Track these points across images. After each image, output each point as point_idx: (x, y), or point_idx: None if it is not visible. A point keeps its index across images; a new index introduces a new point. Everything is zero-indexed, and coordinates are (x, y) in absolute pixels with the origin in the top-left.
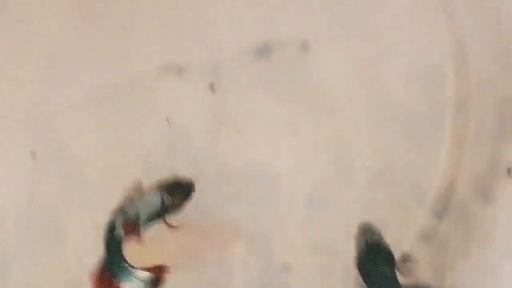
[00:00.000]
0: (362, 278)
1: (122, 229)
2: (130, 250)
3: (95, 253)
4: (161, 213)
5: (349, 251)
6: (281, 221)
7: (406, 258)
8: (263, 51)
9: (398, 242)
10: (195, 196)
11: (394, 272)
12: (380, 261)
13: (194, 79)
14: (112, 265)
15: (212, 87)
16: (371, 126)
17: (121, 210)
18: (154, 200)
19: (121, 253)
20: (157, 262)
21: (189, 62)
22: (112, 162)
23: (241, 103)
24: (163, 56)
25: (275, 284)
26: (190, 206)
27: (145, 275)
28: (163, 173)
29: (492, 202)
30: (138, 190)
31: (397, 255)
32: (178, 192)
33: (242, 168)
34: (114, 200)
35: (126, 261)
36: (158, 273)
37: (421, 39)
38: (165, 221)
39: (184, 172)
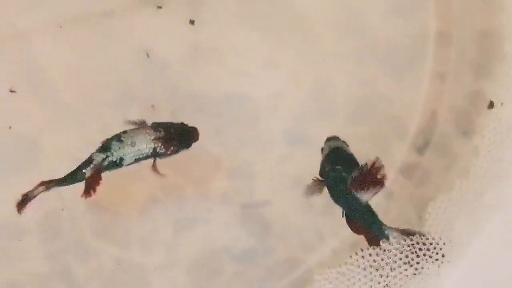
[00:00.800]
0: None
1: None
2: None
3: None
4: (150, 157)
5: None
6: (261, 156)
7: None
8: None
9: None
10: None
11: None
12: (340, 163)
13: (173, 12)
14: None
15: (191, 20)
16: (352, 59)
17: (105, 150)
18: (145, 148)
19: None
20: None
21: None
22: (88, 88)
23: (221, 36)
24: None
25: (255, 220)
26: None
27: None
28: (140, 101)
29: (473, 135)
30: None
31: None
32: (175, 142)
33: (221, 102)
34: (90, 125)
35: None
36: None
37: None
38: (153, 165)
39: (161, 102)
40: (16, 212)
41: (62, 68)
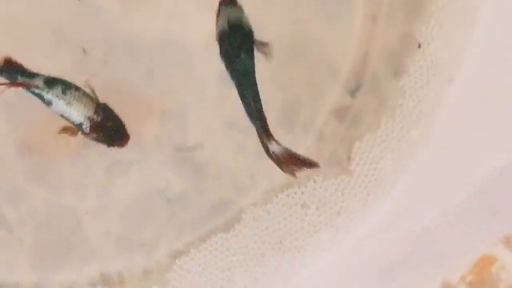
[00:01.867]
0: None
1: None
2: None
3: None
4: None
5: None
6: (194, 98)
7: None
8: None
9: (312, 118)
10: (106, 74)
11: (253, 63)
12: (240, 48)
13: None
14: None
15: None
16: (284, 1)
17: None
18: (75, 116)
19: None
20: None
21: None
22: (20, 35)
23: None
24: None
25: (188, 162)
26: (103, 85)
27: None
28: (71, 44)
29: (402, 75)
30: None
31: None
32: (101, 133)
33: (154, 44)
34: None
35: None
36: None
37: None
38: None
39: (93, 46)
40: None
41: None
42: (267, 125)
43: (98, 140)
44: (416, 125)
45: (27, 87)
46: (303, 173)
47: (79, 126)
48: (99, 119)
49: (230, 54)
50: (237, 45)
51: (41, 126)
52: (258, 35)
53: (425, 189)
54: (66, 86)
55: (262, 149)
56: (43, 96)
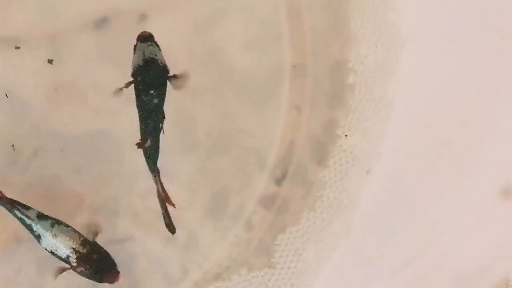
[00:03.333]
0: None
1: None
2: None
3: None
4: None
5: (192, 219)
6: (124, 191)
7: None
8: (102, 23)
9: (240, 207)
10: (36, 170)
11: (163, 99)
12: (151, 87)
13: (32, 52)
14: None
15: (49, 60)
16: (211, 93)
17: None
18: (62, 248)
19: None
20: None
21: (27, 34)
22: None
23: (81, 74)
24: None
25: (120, 255)
26: (33, 180)
27: None
28: (3, 146)
29: (324, 165)
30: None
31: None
32: (89, 268)
33: (83, 140)
34: None
35: None
36: None
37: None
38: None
39: (22, 142)
40: None
41: None
42: (156, 163)
43: (87, 275)
44: (338, 216)
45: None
46: (232, 264)
47: (66, 262)
48: (84, 251)
49: (141, 90)
50: (150, 80)
51: None
52: (188, 129)
53: (348, 279)
54: (55, 222)
55: (192, 239)
56: (32, 228)
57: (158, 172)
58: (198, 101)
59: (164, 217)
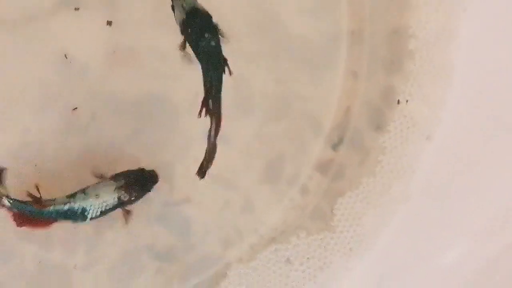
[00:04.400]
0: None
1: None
2: None
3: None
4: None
5: (248, 183)
6: (180, 155)
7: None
8: None
9: (296, 172)
10: (94, 132)
11: (219, 42)
12: (204, 32)
13: (91, 13)
14: None
15: (108, 21)
16: (267, 58)
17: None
18: (110, 199)
19: None
20: None
21: None
22: (8, 94)
23: (139, 37)
24: None
25: (176, 217)
26: (91, 143)
27: None
28: (59, 104)
29: (382, 131)
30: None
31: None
32: (137, 188)
33: (140, 103)
34: (10, 135)
35: None
36: None
37: None
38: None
39: (80, 105)
40: None
41: None
42: (220, 109)
43: (140, 195)
44: (397, 182)
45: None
46: (287, 229)
47: (120, 204)
48: (124, 182)
49: (195, 37)
50: (199, 27)
51: (29, 185)
52: (244, 94)
53: (406, 244)
54: (82, 191)
55: (248, 204)
56: (74, 212)
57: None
58: (255, 66)
59: (204, 159)
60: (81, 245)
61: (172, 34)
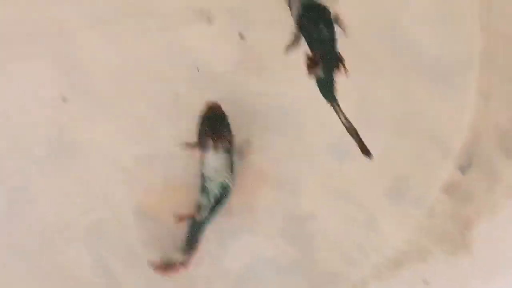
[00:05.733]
0: (305, 39)
1: None
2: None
3: (121, 188)
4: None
5: (373, 201)
6: (306, 169)
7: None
8: None
9: (423, 193)
10: None
11: (333, 34)
12: (319, 22)
13: (223, 26)
14: None
15: (240, 34)
16: (396, 75)
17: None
18: (222, 158)
19: None
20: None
21: (219, 7)
22: (140, 103)
23: (271, 49)
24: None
25: (300, 233)
26: None
27: None
28: (189, 113)
29: None
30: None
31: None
32: (221, 128)
33: (269, 115)
34: (140, 145)
35: None
36: None
37: None
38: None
39: None
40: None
41: (112, 78)
42: (332, 92)
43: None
44: None
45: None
46: (412, 249)
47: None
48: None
49: (309, 27)
50: (315, 18)
51: (157, 191)
52: (372, 111)
53: None
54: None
55: (373, 222)
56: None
57: (337, 101)
58: (383, 82)
59: (358, 143)
60: (205, 255)
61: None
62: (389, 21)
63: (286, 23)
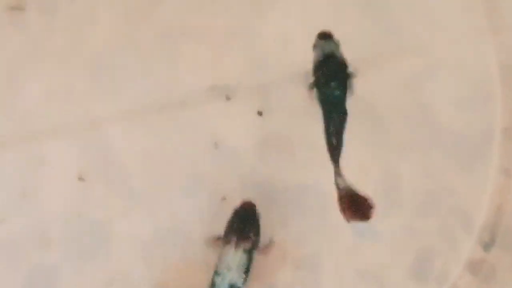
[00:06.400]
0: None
1: None
2: None
3: (140, 266)
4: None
5: (395, 280)
6: (327, 247)
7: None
8: (308, 75)
9: (446, 270)
10: None
11: (345, 92)
12: (332, 77)
13: (242, 103)
14: None
15: (259, 112)
16: (419, 151)
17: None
18: (239, 258)
19: None
20: None
21: (238, 85)
22: (159, 176)
23: (290, 126)
24: (212, 76)
25: None
26: None
27: None
28: (209, 190)
29: None
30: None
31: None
32: (249, 230)
33: (289, 192)
34: (157, 218)
35: None
36: None
37: (467, 60)
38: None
39: (230, 193)
40: None
41: (133, 156)
42: (338, 157)
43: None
44: None
45: None
46: None
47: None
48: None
49: (321, 83)
50: (329, 74)
51: (176, 267)
52: (394, 187)
53: None
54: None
55: None
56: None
57: (338, 167)
58: (404, 158)
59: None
60: None
61: (320, 122)
62: (414, 99)
63: (306, 103)
